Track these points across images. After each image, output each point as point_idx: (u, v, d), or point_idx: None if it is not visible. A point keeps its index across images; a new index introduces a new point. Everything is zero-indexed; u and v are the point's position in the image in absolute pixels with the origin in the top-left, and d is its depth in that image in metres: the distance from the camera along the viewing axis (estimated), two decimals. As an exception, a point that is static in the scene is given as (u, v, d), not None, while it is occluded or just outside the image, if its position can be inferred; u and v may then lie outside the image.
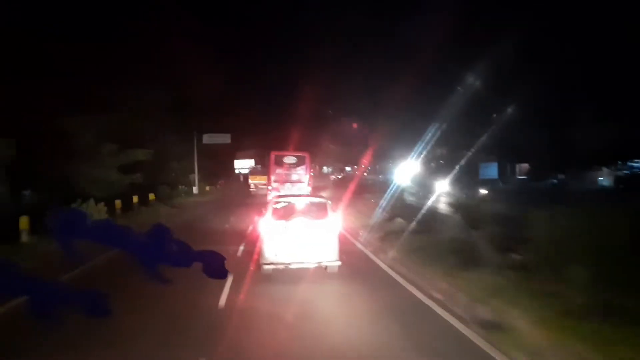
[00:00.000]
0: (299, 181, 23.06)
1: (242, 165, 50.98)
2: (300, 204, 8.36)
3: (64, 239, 1.76)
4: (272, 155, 23.83)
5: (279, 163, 23.38)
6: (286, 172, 23.16)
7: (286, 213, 8.04)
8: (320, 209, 8.18)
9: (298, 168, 23.41)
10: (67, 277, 7.05)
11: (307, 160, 24.26)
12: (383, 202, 16.29)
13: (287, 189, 22.51)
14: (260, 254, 8.10)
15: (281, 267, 7.82)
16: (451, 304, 6.20)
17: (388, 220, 14.13)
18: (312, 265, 7.90)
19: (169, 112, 28.52)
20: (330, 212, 8.17)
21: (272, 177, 23.02)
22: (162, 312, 6.03)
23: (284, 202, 8.44)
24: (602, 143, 21.00)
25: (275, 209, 8.14)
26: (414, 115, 26.01)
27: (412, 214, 12.47)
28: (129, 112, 22.84)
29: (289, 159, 23.54)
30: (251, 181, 35.72)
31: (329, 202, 8.42)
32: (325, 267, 7.99)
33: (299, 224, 7.91)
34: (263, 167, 32.99)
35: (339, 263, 8.08)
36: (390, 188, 18.40)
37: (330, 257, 7.89)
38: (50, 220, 1.71)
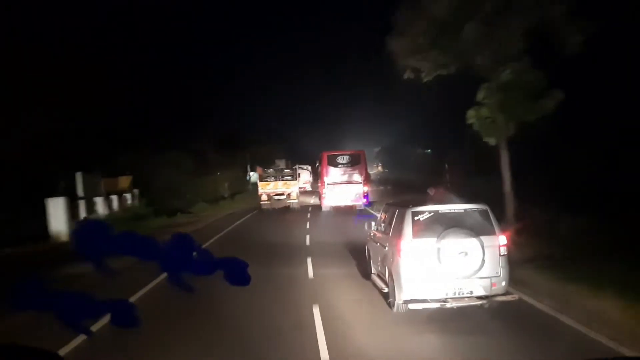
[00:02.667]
0: (355, 182, 22.07)
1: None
2: (451, 213, 6.59)
3: (88, 252, 1.75)
4: (325, 155, 23.24)
5: (333, 163, 22.60)
6: (341, 172, 22.32)
7: (434, 227, 6.41)
8: (480, 220, 6.48)
9: (353, 167, 22.37)
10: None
11: (363, 158, 23.03)
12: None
13: (342, 191, 21.97)
14: (394, 287, 6.60)
15: (433, 305, 6.26)
16: None
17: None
18: (476, 302, 6.28)
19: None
20: (494, 224, 6.53)
21: (326, 180, 22.49)
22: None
23: (428, 212, 6.61)
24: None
25: (417, 223, 6.47)
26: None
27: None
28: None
29: (343, 158, 22.68)
30: (261, 190, 25.61)
31: (489, 209, 6.69)
32: (485, 304, 6.36)
33: (455, 243, 6.27)
34: (277, 171, 26.31)
35: (516, 297, 6.49)
36: None
37: (499, 287, 6.30)
38: (73, 232, 1.72)
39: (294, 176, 26.22)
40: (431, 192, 8.63)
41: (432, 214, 6.61)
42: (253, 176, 58.24)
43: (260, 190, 25.66)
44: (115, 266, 1.84)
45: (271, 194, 25.28)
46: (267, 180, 25.68)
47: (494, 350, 5.45)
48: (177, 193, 27.58)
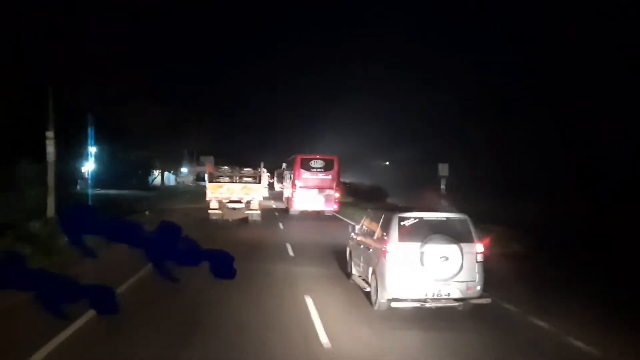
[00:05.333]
0: (326, 187, 21.82)
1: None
2: (434, 220, 6.89)
3: (73, 234, 1.70)
4: (298, 158, 22.84)
5: (306, 167, 22.20)
6: (313, 177, 21.97)
7: (417, 233, 6.62)
8: (460, 228, 6.76)
9: (326, 172, 22.10)
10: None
11: (336, 164, 22.66)
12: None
13: (313, 195, 21.60)
14: (377, 286, 6.76)
15: (414, 305, 6.46)
16: None
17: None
18: (453, 303, 6.53)
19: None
20: (473, 232, 6.75)
21: (298, 183, 22.08)
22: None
23: (414, 218, 6.86)
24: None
25: (402, 227, 6.71)
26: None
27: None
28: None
29: (317, 163, 22.27)
30: (211, 194, 18.92)
31: (469, 219, 6.94)
32: (459, 306, 6.62)
33: (436, 248, 6.47)
34: (235, 170, 19.83)
35: (489, 300, 6.68)
36: None
37: (475, 291, 6.52)
38: (60, 214, 1.67)
39: (258, 178, 19.63)
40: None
41: (416, 220, 6.84)
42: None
43: (209, 195, 18.98)
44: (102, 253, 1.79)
45: (224, 201, 18.87)
46: (219, 182, 19.03)
47: (466, 346, 5.68)
48: None
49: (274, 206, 27.14)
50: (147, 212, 20.34)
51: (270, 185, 40.16)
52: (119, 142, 28.46)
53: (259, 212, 19.10)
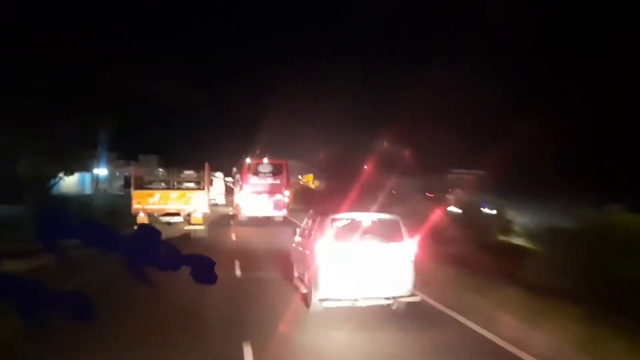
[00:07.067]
0: (276, 192, 21.73)
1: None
2: (366, 221, 7.05)
3: (47, 238, 1.68)
4: (246, 162, 22.66)
5: (254, 172, 21.99)
6: (262, 182, 21.80)
7: (350, 233, 6.88)
8: (391, 229, 7.04)
9: (275, 177, 22.00)
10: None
11: (285, 168, 22.68)
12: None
13: (262, 201, 21.34)
14: (311, 286, 6.91)
15: (346, 304, 6.61)
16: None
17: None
18: (384, 302, 6.74)
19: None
20: (404, 233, 7.08)
21: (246, 188, 21.77)
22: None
23: (346, 219, 7.06)
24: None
25: (335, 228, 6.89)
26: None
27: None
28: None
29: (265, 167, 22.12)
30: (138, 204, 14.49)
31: (400, 219, 7.27)
32: (393, 305, 6.87)
33: (368, 248, 6.75)
34: (172, 173, 15.50)
35: (419, 298, 7.05)
36: None
37: (405, 289, 6.83)
38: (34, 218, 1.64)
39: (202, 183, 15.35)
40: None
41: (349, 221, 7.07)
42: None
43: (135, 206, 14.38)
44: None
45: (155, 212, 14.45)
46: (150, 188, 14.75)
47: (399, 344, 5.93)
48: None
49: (231, 213, 25.34)
50: None
51: (230, 191, 33.57)
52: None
53: (203, 227, 14.84)
